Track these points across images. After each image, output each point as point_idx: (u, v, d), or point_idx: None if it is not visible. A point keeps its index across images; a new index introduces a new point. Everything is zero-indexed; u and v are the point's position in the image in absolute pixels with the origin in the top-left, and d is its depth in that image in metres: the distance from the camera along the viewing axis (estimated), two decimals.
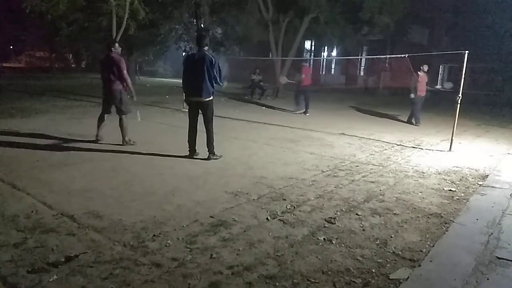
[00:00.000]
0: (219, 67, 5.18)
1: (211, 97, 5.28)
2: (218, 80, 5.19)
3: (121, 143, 6.05)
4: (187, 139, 5.43)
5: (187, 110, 5.55)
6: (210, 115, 5.36)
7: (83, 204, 3.53)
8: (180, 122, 7.92)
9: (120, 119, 6.03)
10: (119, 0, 11.25)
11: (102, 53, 6.15)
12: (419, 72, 9.65)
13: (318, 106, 13.83)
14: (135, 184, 4.20)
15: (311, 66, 12.05)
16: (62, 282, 2.31)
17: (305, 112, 11.26)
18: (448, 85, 11.74)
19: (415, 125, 9.81)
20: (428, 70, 9.81)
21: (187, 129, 5.43)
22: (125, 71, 5.89)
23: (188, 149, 5.44)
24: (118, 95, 5.94)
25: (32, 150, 5.48)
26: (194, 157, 5.41)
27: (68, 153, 5.44)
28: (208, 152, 5.35)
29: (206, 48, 5.20)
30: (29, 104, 10.81)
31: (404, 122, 10.28)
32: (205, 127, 5.34)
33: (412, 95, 9.76)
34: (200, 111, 5.35)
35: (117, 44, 6.09)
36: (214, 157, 5.36)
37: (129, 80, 5.98)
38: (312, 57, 27.66)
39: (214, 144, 5.39)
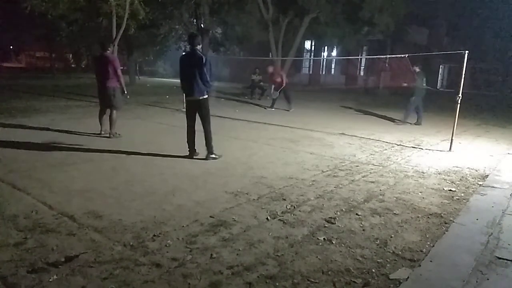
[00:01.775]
0: (210, 66, 5.11)
1: (205, 96, 5.24)
2: (208, 79, 5.10)
3: (108, 136, 6.57)
4: (186, 139, 5.43)
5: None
6: (205, 114, 5.33)
7: (83, 204, 3.53)
8: (180, 122, 7.91)
9: (111, 113, 6.59)
10: (119, 0, 11.25)
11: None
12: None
13: (318, 106, 13.84)
14: (135, 184, 4.20)
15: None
16: (62, 282, 2.30)
17: (270, 107, 12.16)
18: None
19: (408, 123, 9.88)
20: (414, 69, 9.77)
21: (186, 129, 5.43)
22: (119, 70, 6.49)
23: (188, 149, 5.44)
24: (111, 92, 6.51)
25: (32, 150, 5.48)
26: (194, 157, 5.41)
27: (68, 153, 5.44)
28: (207, 152, 5.36)
29: (198, 47, 5.16)
30: (29, 104, 10.82)
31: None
32: (202, 126, 5.33)
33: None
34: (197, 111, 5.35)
35: (112, 44, 6.76)
36: (213, 157, 5.35)
37: (122, 78, 6.57)
38: (312, 57, 27.70)
39: (213, 143, 5.38)
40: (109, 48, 6.58)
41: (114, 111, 6.61)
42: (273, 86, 12.29)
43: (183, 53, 5.58)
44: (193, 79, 5.10)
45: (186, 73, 5.19)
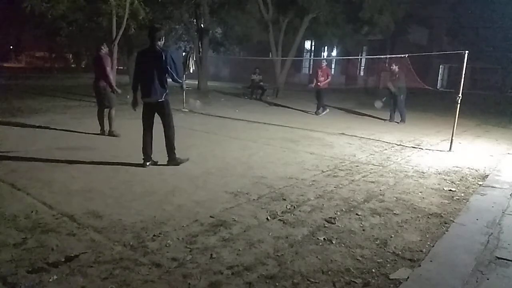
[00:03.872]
0: (173, 62, 4.62)
1: (164, 99, 4.77)
2: (175, 77, 4.64)
3: (107, 133, 6.73)
4: (142, 146, 4.87)
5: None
6: (167, 118, 4.85)
7: (83, 204, 3.53)
8: (181, 122, 7.91)
9: (109, 111, 6.76)
10: (119, 0, 11.24)
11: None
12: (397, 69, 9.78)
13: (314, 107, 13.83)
14: (135, 184, 4.20)
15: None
16: (62, 282, 2.30)
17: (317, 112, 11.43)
18: (378, 105, 11.39)
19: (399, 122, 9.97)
20: (394, 69, 9.89)
21: (142, 134, 4.90)
22: (108, 68, 6.54)
23: (143, 157, 4.88)
24: (102, 91, 6.65)
25: (32, 150, 5.48)
26: (149, 165, 4.87)
27: (68, 153, 5.43)
28: (168, 158, 4.95)
29: (160, 42, 4.67)
30: (29, 104, 10.82)
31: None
32: (164, 132, 4.87)
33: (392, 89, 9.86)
34: (157, 114, 4.88)
35: (105, 44, 6.80)
36: (175, 163, 4.93)
37: (110, 77, 6.62)
38: (312, 57, 27.70)
39: (175, 150, 4.93)
40: (103, 48, 6.62)
41: (110, 110, 6.74)
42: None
43: (140, 50, 4.99)
44: (151, 79, 4.64)
45: (143, 72, 4.71)
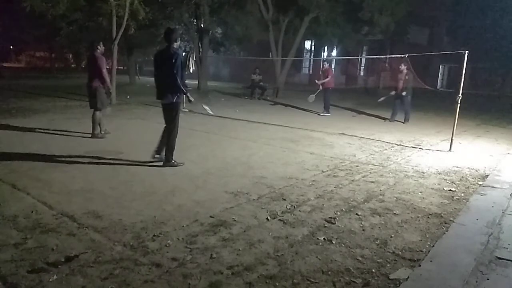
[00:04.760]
0: (180, 66, 4.65)
1: (174, 101, 4.79)
2: (178, 81, 4.61)
3: (90, 135, 6.51)
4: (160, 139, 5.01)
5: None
6: (170, 119, 4.87)
7: (83, 204, 3.53)
8: (181, 122, 7.90)
9: (93, 113, 6.51)
10: (119, 0, 11.25)
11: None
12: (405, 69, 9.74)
13: (318, 106, 13.83)
14: (135, 184, 4.20)
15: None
16: (62, 282, 2.30)
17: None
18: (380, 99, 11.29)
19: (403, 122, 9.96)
20: (403, 69, 9.83)
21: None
22: (104, 70, 6.35)
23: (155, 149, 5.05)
24: (93, 92, 6.42)
25: (32, 150, 5.48)
26: (152, 159, 5.00)
27: (68, 153, 5.44)
28: (164, 159, 4.95)
29: (175, 44, 4.70)
30: (29, 104, 10.82)
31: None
32: (166, 132, 4.93)
33: (404, 93, 9.79)
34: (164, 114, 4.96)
35: (101, 43, 6.53)
36: (170, 164, 4.91)
37: (107, 79, 6.44)
38: (312, 57, 27.71)
39: (173, 152, 4.93)
40: (99, 48, 6.38)
41: (97, 112, 6.48)
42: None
43: (157, 51, 5.05)
44: (164, 80, 4.71)
45: (158, 73, 4.81)
